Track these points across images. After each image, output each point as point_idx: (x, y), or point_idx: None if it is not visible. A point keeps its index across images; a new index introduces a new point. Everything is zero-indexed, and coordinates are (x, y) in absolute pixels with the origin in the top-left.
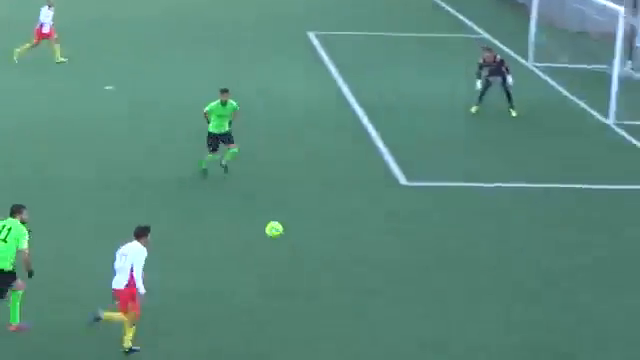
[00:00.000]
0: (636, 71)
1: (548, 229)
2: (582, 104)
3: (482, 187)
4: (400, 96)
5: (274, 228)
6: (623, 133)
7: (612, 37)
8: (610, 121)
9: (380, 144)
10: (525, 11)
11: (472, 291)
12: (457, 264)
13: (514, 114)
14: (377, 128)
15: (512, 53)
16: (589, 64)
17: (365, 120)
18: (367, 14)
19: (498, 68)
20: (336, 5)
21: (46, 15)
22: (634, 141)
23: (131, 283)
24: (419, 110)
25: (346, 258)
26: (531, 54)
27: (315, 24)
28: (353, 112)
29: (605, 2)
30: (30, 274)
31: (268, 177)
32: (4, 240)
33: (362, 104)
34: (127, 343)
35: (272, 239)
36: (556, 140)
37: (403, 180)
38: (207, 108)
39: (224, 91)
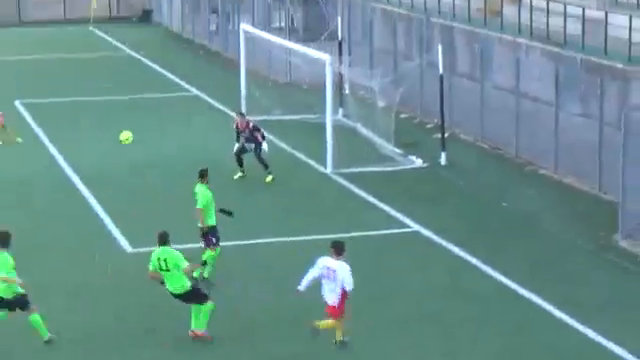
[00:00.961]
0: (348, 118)
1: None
2: (300, 155)
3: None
4: (116, 161)
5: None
6: (341, 181)
7: (321, 85)
8: (328, 170)
9: (100, 210)
10: (234, 65)
11: None
12: None
13: (269, 179)
14: (95, 195)
15: (224, 108)
16: (301, 114)
17: (81, 186)
18: (73, 79)
19: (251, 134)
20: (40, 74)
21: None
22: (353, 188)
23: (341, 300)
24: (139, 173)
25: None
26: (244, 109)
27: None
28: (69, 179)
29: (311, 51)
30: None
31: None
32: (167, 270)
33: (77, 170)
34: (339, 337)
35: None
36: (280, 193)
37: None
38: None
39: None
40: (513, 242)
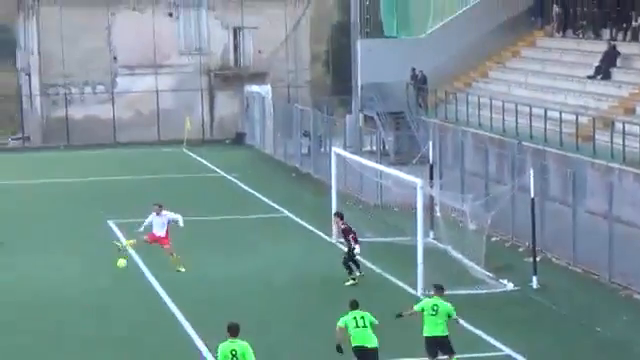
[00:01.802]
0: (438, 241)
1: None
2: (390, 277)
3: None
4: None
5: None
6: None
7: (412, 208)
8: (419, 292)
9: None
10: (325, 187)
11: None
12: None
13: (348, 283)
14: (193, 323)
15: (316, 230)
16: (393, 236)
17: (174, 308)
18: (165, 200)
19: (344, 237)
20: (134, 194)
21: None
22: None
23: None
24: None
25: None
26: (334, 230)
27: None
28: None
29: (402, 175)
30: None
31: None
32: (365, 326)
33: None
34: None
35: None
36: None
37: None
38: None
39: None
40: None
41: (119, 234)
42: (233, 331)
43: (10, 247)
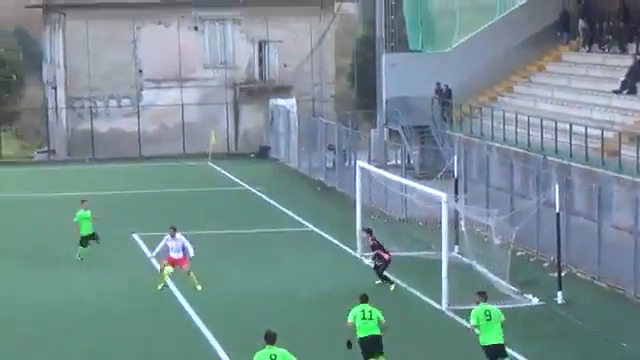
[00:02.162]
0: (463, 255)
1: None
2: (414, 291)
3: None
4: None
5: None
6: (456, 317)
7: (437, 222)
8: (443, 306)
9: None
10: (350, 201)
11: None
12: None
13: (392, 288)
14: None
15: (341, 244)
16: (417, 250)
17: (199, 322)
18: (190, 213)
19: (372, 251)
20: (158, 207)
21: None
22: (468, 325)
23: None
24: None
25: None
26: (359, 244)
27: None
28: (185, 312)
29: (428, 189)
30: None
31: None
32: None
33: (193, 304)
34: None
35: None
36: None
37: None
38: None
39: None
40: None
41: (144, 248)
42: (270, 338)
43: (35, 260)
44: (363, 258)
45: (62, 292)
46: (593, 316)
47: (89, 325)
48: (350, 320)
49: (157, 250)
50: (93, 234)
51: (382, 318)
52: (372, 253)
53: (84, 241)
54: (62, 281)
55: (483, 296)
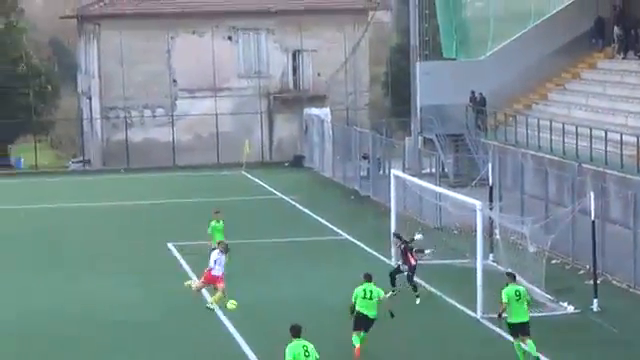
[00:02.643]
0: (498, 263)
1: None
2: (449, 299)
3: None
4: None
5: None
6: (491, 326)
7: (472, 230)
8: (478, 315)
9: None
10: (384, 210)
11: None
12: None
13: (417, 302)
14: (250, 344)
15: (375, 253)
16: (452, 258)
17: (232, 330)
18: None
19: (403, 256)
20: (193, 216)
21: None
22: (502, 332)
23: None
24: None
25: None
26: (394, 253)
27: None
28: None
29: (462, 197)
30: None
31: None
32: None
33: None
34: None
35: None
36: (430, 337)
37: None
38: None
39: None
40: None
41: (179, 258)
42: (296, 331)
43: (72, 270)
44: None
45: (96, 302)
46: (629, 324)
47: (124, 334)
48: (353, 300)
49: (215, 267)
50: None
51: (382, 295)
52: (404, 258)
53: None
54: (96, 290)
55: (512, 277)
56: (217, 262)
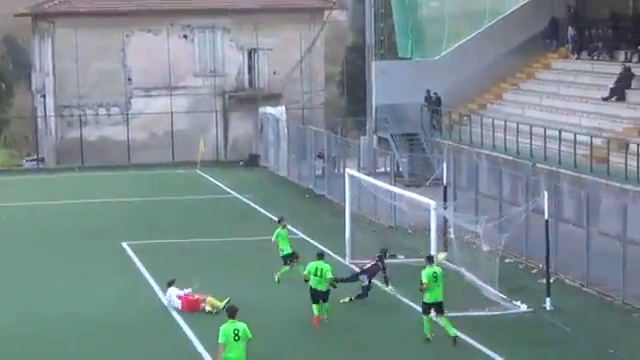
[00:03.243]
0: (452, 262)
1: None
2: (403, 298)
3: None
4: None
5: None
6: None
7: (426, 230)
8: (432, 313)
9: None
10: (339, 209)
11: None
12: None
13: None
14: (197, 334)
15: (329, 251)
16: (406, 258)
17: (185, 325)
18: (179, 221)
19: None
20: (147, 215)
21: None
22: (457, 332)
23: None
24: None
25: None
26: (348, 251)
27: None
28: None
29: (416, 196)
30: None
31: None
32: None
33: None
34: None
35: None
36: (384, 336)
37: None
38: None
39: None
40: None
41: (134, 257)
42: (232, 312)
43: (22, 270)
44: (351, 265)
45: (48, 302)
46: (581, 323)
47: (74, 334)
48: (305, 273)
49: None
50: (292, 252)
51: (330, 276)
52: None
53: (285, 260)
54: (48, 291)
55: (430, 259)
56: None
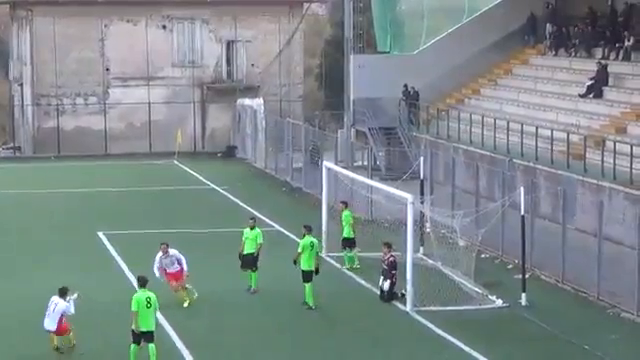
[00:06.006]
0: (428, 257)
1: None
2: (378, 292)
3: None
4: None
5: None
6: (421, 319)
7: (403, 224)
8: (408, 308)
9: (180, 344)
10: (316, 201)
11: None
12: None
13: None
14: (175, 327)
15: None
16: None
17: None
18: (156, 212)
19: (388, 270)
20: (124, 205)
21: None
22: (432, 327)
23: None
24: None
25: None
26: (324, 244)
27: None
28: None
29: (393, 190)
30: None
31: None
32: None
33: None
34: None
35: None
36: (360, 330)
37: None
38: None
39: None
40: None
41: (110, 247)
42: (143, 282)
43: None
44: (327, 257)
45: (20, 291)
46: (556, 319)
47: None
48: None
49: (157, 272)
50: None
51: (260, 241)
52: (387, 270)
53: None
54: (22, 280)
55: (308, 229)
56: (166, 265)
